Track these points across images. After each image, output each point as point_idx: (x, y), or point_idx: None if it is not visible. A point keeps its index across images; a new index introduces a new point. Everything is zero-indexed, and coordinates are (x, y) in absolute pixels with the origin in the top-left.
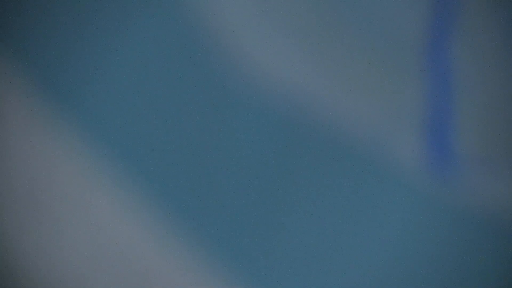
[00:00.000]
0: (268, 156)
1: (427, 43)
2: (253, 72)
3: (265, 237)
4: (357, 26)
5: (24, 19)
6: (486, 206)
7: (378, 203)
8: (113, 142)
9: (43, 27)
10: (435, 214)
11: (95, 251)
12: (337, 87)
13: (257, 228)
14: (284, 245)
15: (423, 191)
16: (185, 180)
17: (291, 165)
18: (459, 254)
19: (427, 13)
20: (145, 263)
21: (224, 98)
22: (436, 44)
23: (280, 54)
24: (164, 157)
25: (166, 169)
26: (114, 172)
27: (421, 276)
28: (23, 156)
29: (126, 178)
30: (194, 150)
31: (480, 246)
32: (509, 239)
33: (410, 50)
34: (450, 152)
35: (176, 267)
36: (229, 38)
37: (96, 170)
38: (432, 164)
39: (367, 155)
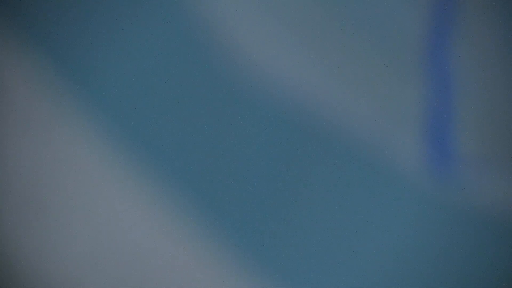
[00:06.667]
0: (271, 155)
1: (428, 44)
2: (255, 72)
3: (270, 233)
4: (358, 26)
5: (35, 6)
6: (486, 206)
7: (379, 203)
8: (121, 138)
9: (53, 14)
10: (436, 214)
11: (105, 247)
12: (338, 88)
13: (262, 224)
14: (288, 241)
15: (424, 191)
16: (193, 176)
17: (293, 165)
18: (460, 254)
19: (427, 14)
20: (157, 258)
21: (227, 98)
22: (437, 45)
23: (281, 54)
24: (169, 154)
25: (172, 166)
26: (124, 168)
27: (422, 275)
28: (27, 149)
29: (134, 174)
30: (202, 147)
31: (481, 246)
32: (509, 239)
33: (411, 51)
34: (450, 153)
35: (188, 261)
36: (232, 38)
37: (104, 166)
38: (433, 165)
39: (368, 155)
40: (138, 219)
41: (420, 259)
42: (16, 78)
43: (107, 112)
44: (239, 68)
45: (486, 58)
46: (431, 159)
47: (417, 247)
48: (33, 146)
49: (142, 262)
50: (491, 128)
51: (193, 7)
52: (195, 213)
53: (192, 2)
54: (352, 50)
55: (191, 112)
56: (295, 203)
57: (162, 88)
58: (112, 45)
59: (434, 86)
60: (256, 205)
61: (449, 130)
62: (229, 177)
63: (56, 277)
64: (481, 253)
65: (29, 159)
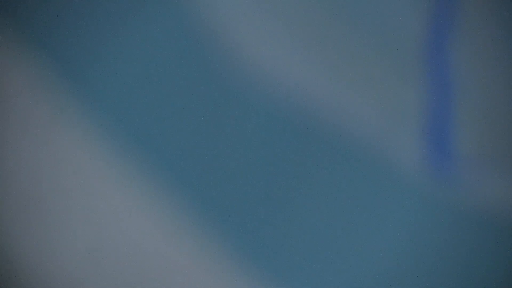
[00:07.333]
0: (271, 155)
1: (428, 43)
2: (255, 72)
3: (270, 233)
4: (357, 26)
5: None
6: (486, 206)
7: (378, 203)
8: (121, 138)
9: (53, 14)
10: (436, 214)
11: (105, 247)
12: (338, 87)
13: (262, 224)
14: (288, 241)
15: (423, 191)
16: (193, 176)
17: (293, 165)
18: (459, 254)
19: (427, 13)
20: (157, 258)
21: (227, 98)
22: (437, 45)
23: (281, 54)
24: (169, 154)
25: (171, 166)
26: (123, 168)
27: (422, 275)
28: (27, 149)
29: (133, 174)
30: (202, 147)
31: (480, 246)
32: (509, 239)
33: (410, 51)
34: (450, 152)
35: (188, 261)
36: (232, 38)
37: (104, 165)
38: (433, 164)
39: (367, 155)
40: (138, 219)
41: (420, 259)
42: (16, 79)
43: (106, 112)
44: (239, 68)
45: (486, 58)
46: (431, 159)
47: (417, 246)
48: (33, 146)
49: (142, 262)
50: (491, 128)
51: (193, 7)
52: (194, 213)
53: (192, 2)
54: (352, 50)
55: (191, 112)
56: (295, 203)
57: (162, 88)
58: (112, 45)
59: (434, 86)
60: (256, 205)
61: (449, 130)
62: (229, 177)
63: (56, 277)
64: (481, 253)
65: (29, 159)
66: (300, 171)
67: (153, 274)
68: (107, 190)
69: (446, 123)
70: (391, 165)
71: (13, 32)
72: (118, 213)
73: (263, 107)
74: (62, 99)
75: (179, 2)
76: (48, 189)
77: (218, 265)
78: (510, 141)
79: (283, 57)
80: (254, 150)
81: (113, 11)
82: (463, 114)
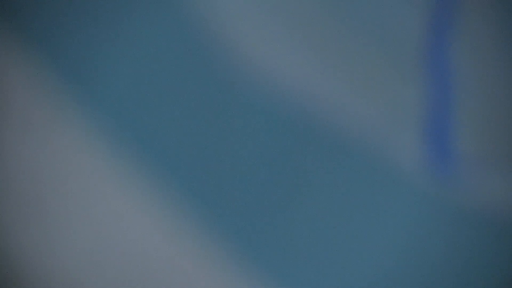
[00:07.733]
0: (271, 155)
1: (428, 43)
2: (255, 72)
3: (270, 233)
4: (358, 26)
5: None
6: (486, 206)
7: (378, 203)
8: (120, 138)
9: (52, 14)
10: (436, 213)
11: (105, 247)
12: (338, 87)
13: (262, 224)
14: (288, 241)
15: (423, 190)
16: (193, 176)
17: (293, 165)
18: (459, 254)
19: (427, 13)
20: (157, 258)
21: (227, 98)
22: (436, 44)
23: (281, 54)
24: (169, 154)
25: (171, 166)
26: (123, 168)
27: (421, 275)
28: (27, 149)
29: (133, 174)
30: (202, 147)
31: (480, 246)
32: (509, 239)
33: (410, 51)
34: (450, 152)
35: (188, 261)
36: (232, 38)
37: (104, 165)
38: (433, 164)
39: (368, 154)
40: (138, 219)
41: (420, 258)
42: (16, 79)
43: (106, 112)
44: (239, 67)
45: (486, 58)
46: (431, 159)
47: (417, 246)
48: (33, 146)
49: (142, 262)
50: (491, 128)
51: (192, 7)
52: (195, 213)
53: (192, 1)
54: (352, 50)
55: (191, 112)
56: (295, 203)
57: (162, 88)
58: (111, 45)
59: (434, 86)
60: (256, 204)
61: (449, 130)
62: (229, 177)
63: (56, 277)
64: (480, 252)
65: (29, 159)
66: (300, 171)
67: (153, 274)
68: (107, 190)
69: (446, 123)
70: (391, 165)
71: (13, 32)
72: (118, 213)
73: (263, 107)
74: (62, 99)
75: (179, 2)
76: (48, 189)
77: (218, 266)
78: (510, 141)
79: (283, 57)
80: (254, 150)
81: (113, 11)
82: (463, 114)
